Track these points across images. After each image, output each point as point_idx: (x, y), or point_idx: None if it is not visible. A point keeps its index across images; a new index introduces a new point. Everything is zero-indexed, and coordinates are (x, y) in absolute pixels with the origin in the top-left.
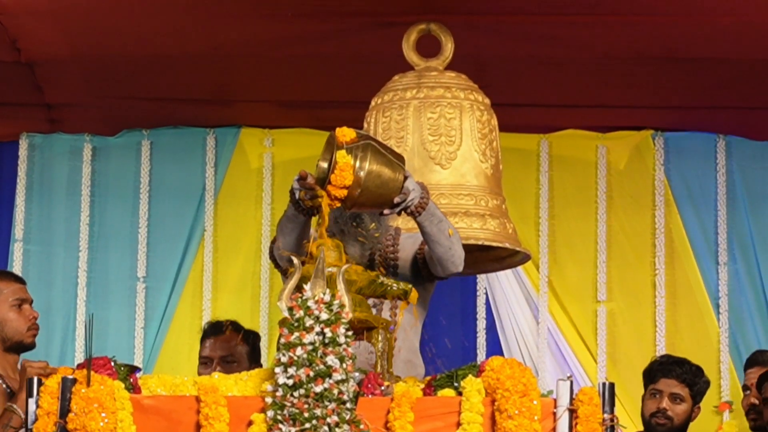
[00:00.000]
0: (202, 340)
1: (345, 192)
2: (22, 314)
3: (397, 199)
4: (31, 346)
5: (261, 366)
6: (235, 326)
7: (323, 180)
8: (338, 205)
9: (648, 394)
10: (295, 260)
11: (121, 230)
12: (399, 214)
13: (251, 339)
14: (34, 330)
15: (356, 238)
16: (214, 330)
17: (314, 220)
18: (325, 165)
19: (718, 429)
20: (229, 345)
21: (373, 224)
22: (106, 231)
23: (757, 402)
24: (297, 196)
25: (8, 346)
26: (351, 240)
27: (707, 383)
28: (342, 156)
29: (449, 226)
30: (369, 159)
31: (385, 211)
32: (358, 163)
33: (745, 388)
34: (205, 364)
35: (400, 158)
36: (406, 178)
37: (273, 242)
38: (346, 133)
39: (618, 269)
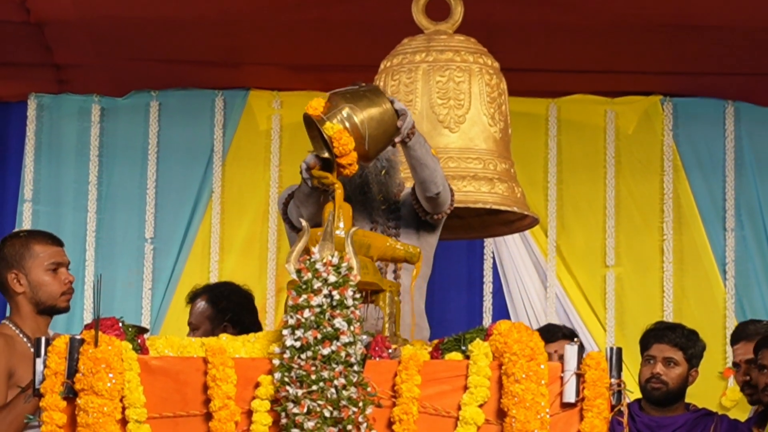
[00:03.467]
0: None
1: (354, 155)
2: (57, 278)
3: (399, 123)
4: (64, 310)
5: (227, 325)
6: (205, 290)
7: (329, 162)
8: (356, 169)
9: (643, 361)
10: (304, 223)
11: (129, 191)
12: (408, 140)
13: (217, 300)
14: (69, 294)
15: (363, 207)
16: (190, 298)
17: None
18: (320, 153)
19: (723, 395)
20: (193, 311)
21: (380, 196)
22: (114, 192)
23: (748, 378)
24: (309, 184)
25: (41, 309)
26: (358, 208)
27: (703, 346)
28: (330, 128)
29: (430, 147)
30: (353, 112)
31: (396, 140)
32: (347, 123)
33: (735, 365)
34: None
35: (374, 90)
36: (392, 102)
37: (285, 204)
38: (316, 107)
39: (626, 234)
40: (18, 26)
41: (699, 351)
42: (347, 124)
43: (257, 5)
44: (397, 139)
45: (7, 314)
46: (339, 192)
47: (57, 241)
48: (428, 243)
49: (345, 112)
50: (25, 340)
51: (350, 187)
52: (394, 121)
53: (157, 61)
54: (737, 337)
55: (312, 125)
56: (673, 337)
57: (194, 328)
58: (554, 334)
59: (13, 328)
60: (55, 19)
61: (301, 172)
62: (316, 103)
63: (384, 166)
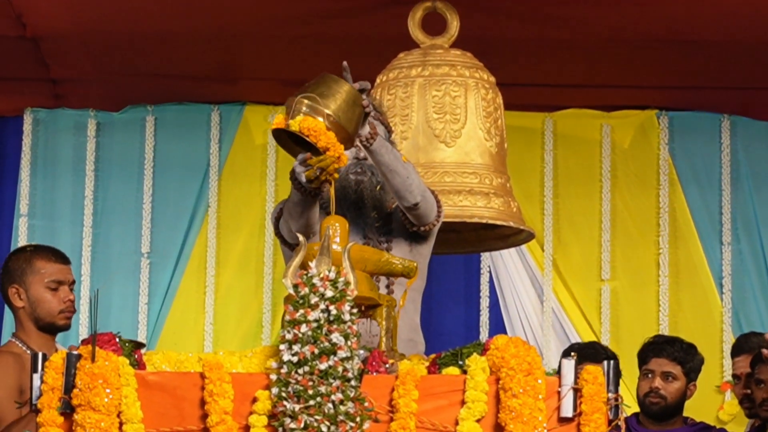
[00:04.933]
0: None
1: (338, 144)
2: (56, 296)
3: (364, 102)
4: (64, 328)
5: None
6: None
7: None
8: (345, 160)
9: (641, 375)
10: (301, 237)
11: (125, 206)
12: (368, 143)
13: None
14: (68, 313)
15: (357, 223)
16: None
17: None
18: (303, 155)
19: (720, 408)
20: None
21: (374, 212)
22: (110, 206)
23: (748, 391)
24: (303, 179)
25: (41, 326)
26: (352, 225)
27: (701, 360)
28: (294, 123)
29: (401, 155)
30: (313, 102)
31: (357, 141)
32: (319, 117)
33: (735, 377)
34: None
35: (327, 78)
36: (348, 82)
37: (277, 219)
38: (278, 121)
39: (622, 248)
40: (14, 41)
41: (697, 365)
42: (320, 118)
43: (253, 20)
44: (358, 139)
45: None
46: (332, 189)
47: (63, 259)
48: (421, 254)
49: (305, 106)
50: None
51: (345, 204)
52: (359, 97)
53: (153, 75)
54: (739, 350)
55: (282, 137)
56: (671, 351)
57: None
58: (599, 355)
59: (20, 345)
60: (51, 34)
61: (291, 178)
62: (278, 118)
63: (379, 182)
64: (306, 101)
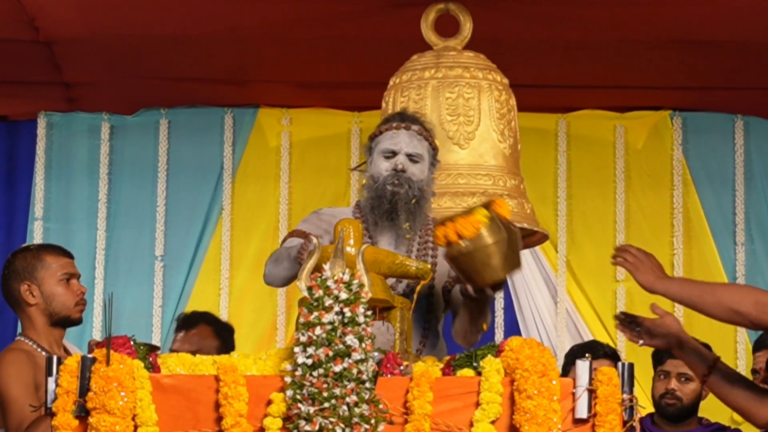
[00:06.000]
0: (175, 332)
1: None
2: (70, 289)
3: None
4: (77, 322)
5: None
6: (206, 319)
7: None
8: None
9: (656, 376)
10: (315, 240)
11: (139, 209)
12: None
13: (223, 332)
14: (82, 305)
15: (389, 234)
16: (185, 323)
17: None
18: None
19: None
20: (199, 339)
21: (407, 224)
22: (124, 209)
23: (766, 386)
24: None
25: (55, 321)
26: (384, 235)
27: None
28: (481, 212)
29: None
30: (495, 237)
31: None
32: (484, 230)
33: (754, 372)
34: None
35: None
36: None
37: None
38: (503, 206)
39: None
40: (27, 45)
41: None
42: (483, 230)
43: (266, 23)
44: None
45: (19, 331)
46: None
47: (67, 253)
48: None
49: (495, 230)
50: (43, 354)
51: (379, 212)
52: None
53: (167, 79)
54: (761, 345)
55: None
56: None
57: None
58: (596, 351)
59: (30, 343)
60: (64, 38)
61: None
62: (506, 206)
63: (415, 195)
64: (505, 235)
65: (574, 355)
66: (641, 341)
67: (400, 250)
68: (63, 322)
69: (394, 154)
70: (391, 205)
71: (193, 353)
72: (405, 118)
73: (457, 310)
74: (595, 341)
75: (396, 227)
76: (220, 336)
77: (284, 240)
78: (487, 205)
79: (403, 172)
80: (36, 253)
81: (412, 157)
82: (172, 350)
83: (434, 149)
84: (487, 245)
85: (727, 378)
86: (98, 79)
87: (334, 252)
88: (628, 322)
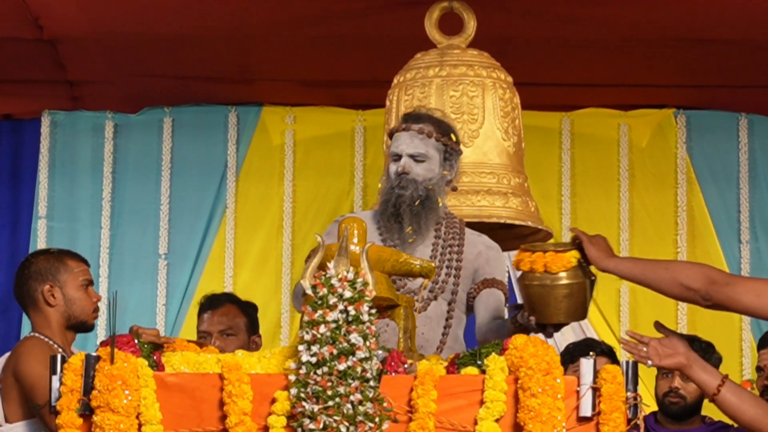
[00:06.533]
0: (200, 314)
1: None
2: (88, 295)
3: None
4: (90, 328)
5: (259, 336)
6: (231, 298)
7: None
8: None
9: (660, 374)
10: (319, 238)
11: (143, 207)
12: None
13: (249, 310)
14: (97, 313)
15: (393, 237)
16: (211, 303)
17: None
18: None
19: None
20: (228, 318)
21: (410, 228)
22: (128, 208)
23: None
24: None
25: (71, 325)
26: (389, 239)
27: (719, 359)
28: (573, 254)
29: None
30: (576, 280)
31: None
32: (570, 272)
33: (758, 369)
34: (204, 338)
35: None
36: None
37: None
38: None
39: (640, 247)
40: (31, 44)
41: (716, 363)
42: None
43: (270, 21)
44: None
45: (29, 330)
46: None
47: (85, 260)
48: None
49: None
50: (58, 349)
51: (385, 216)
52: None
53: (170, 77)
54: (766, 342)
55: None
56: None
57: (229, 334)
58: (592, 349)
59: (45, 339)
60: (68, 36)
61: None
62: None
63: (420, 196)
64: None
65: (570, 353)
66: (649, 362)
67: (425, 251)
68: (78, 326)
69: (400, 157)
70: (396, 209)
71: (224, 332)
72: (407, 119)
73: (479, 314)
74: (591, 339)
75: (401, 230)
76: (246, 313)
77: (308, 256)
78: (579, 247)
79: (407, 174)
80: (58, 257)
81: (415, 158)
82: (201, 331)
83: (445, 145)
84: (565, 285)
85: (736, 395)
86: (102, 78)
87: (339, 250)
88: (634, 343)
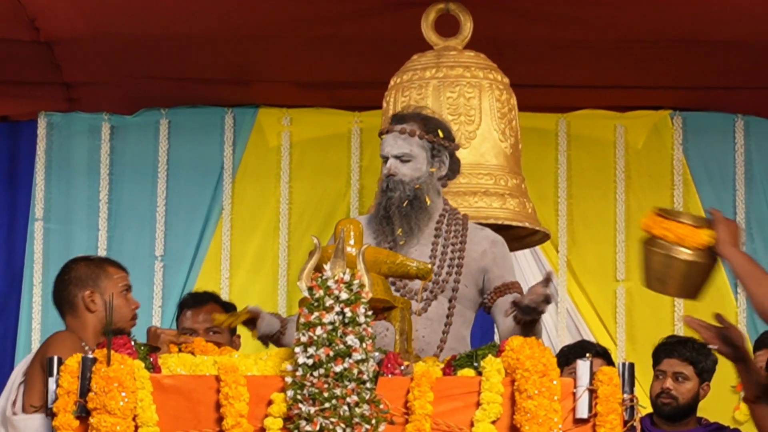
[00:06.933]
0: (182, 310)
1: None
2: (127, 301)
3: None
4: (127, 336)
5: (239, 336)
6: (214, 298)
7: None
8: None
9: (654, 376)
10: (315, 240)
11: (139, 209)
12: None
13: (230, 310)
14: (135, 321)
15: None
16: (195, 301)
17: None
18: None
19: (736, 408)
20: (211, 318)
21: (400, 230)
22: (125, 210)
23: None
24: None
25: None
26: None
27: (714, 360)
28: (709, 233)
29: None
30: (702, 259)
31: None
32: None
33: None
34: (188, 335)
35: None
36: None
37: None
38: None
39: (636, 249)
40: (28, 45)
41: (710, 365)
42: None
43: (266, 23)
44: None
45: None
46: None
47: (124, 267)
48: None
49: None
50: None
51: (376, 221)
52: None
53: (167, 79)
54: (761, 344)
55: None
56: (683, 352)
57: (215, 332)
58: (587, 351)
59: (77, 336)
60: (64, 38)
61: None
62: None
63: (407, 197)
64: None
65: (565, 355)
66: (715, 345)
67: (424, 250)
68: (114, 333)
69: (387, 159)
70: (386, 211)
71: (210, 330)
72: (392, 120)
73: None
74: (585, 341)
75: (393, 232)
76: (227, 311)
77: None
78: (714, 230)
79: (394, 176)
80: (99, 263)
81: (401, 159)
82: (185, 328)
83: (431, 142)
84: (691, 263)
85: None
86: (98, 80)
87: (335, 252)
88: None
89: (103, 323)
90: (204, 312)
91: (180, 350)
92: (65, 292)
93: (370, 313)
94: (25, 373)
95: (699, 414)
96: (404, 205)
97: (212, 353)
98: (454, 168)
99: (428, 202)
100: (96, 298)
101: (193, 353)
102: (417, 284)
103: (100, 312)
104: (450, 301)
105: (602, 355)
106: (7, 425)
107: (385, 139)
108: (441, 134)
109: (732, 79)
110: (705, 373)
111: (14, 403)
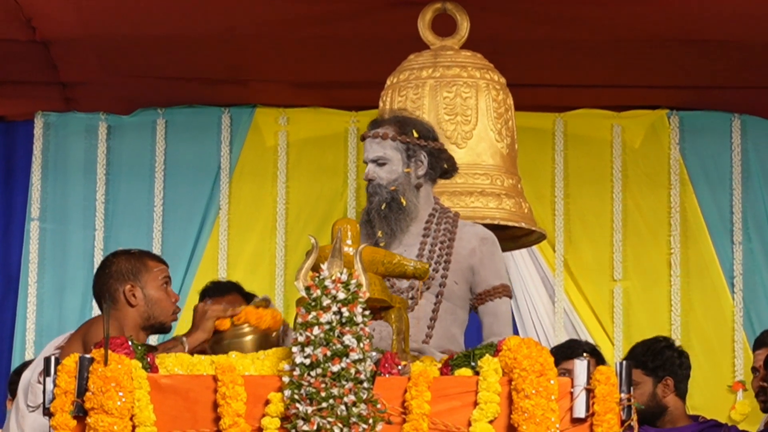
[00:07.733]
0: (203, 299)
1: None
2: (167, 294)
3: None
4: (168, 329)
5: None
6: (236, 287)
7: None
8: None
9: None
10: (313, 240)
11: (136, 209)
12: None
13: (251, 300)
14: (176, 314)
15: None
16: (215, 291)
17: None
18: None
19: (732, 408)
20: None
21: (380, 232)
22: (122, 209)
23: (765, 384)
24: None
25: (149, 325)
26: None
27: (665, 354)
28: None
29: None
30: None
31: None
32: None
33: (754, 369)
34: (234, 308)
35: None
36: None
37: None
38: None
39: (633, 248)
40: (24, 45)
41: (662, 360)
42: None
43: (263, 22)
44: None
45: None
46: None
47: (164, 261)
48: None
49: None
50: None
51: (361, 224)
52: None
53: (164, 78)
54: (761, 343)
55: None
56: (628, 359)
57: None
58: (575, 350)
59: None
60: (61, 38)
61: None
62: None
63: (385, 199)
64: None
65: (554, 355)
66: None
67: (412, 250)
68: (156, 327)
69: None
70: (368, 215)
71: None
72: (369, 126)
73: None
74: (574, 340)
75: (375, 234)
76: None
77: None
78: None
79: (373, 180)
80: (139, 256)
81: (377, 162)
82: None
83: (405, 143)
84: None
85: None
86: (95, 79)
87: (332, 252)
88: None
89: (143, 317)
90: (225, 301)
91: (233, 324)
92: (106, 286)
93: (367, 312)
94: (59, 347)
95: (696, 413)
96: (383, 207)
97: (266, 318)
98: (436, 166)
99: (404, 203)
100: (137, 292)
101: (249, 323)
102: (405, 283)
103: (141, 306)
104: (437, 296)
105: (591, 353)
106: (27, 394)
107: (365, 144)
108: (416, 134)
109: (729, 79)
110: (658, 370)
111: (41, 373)
